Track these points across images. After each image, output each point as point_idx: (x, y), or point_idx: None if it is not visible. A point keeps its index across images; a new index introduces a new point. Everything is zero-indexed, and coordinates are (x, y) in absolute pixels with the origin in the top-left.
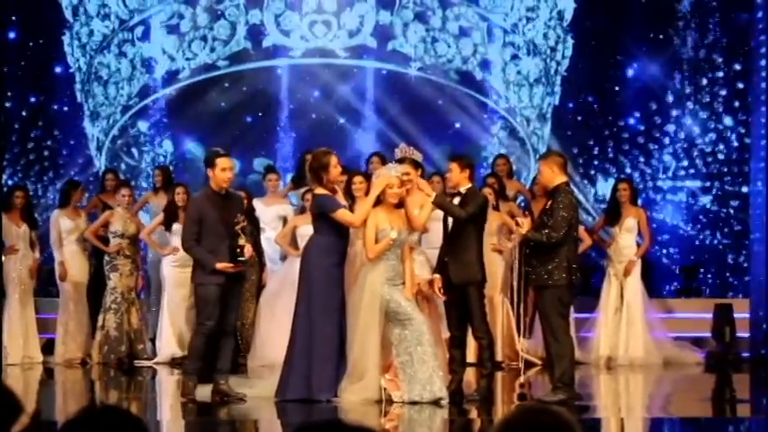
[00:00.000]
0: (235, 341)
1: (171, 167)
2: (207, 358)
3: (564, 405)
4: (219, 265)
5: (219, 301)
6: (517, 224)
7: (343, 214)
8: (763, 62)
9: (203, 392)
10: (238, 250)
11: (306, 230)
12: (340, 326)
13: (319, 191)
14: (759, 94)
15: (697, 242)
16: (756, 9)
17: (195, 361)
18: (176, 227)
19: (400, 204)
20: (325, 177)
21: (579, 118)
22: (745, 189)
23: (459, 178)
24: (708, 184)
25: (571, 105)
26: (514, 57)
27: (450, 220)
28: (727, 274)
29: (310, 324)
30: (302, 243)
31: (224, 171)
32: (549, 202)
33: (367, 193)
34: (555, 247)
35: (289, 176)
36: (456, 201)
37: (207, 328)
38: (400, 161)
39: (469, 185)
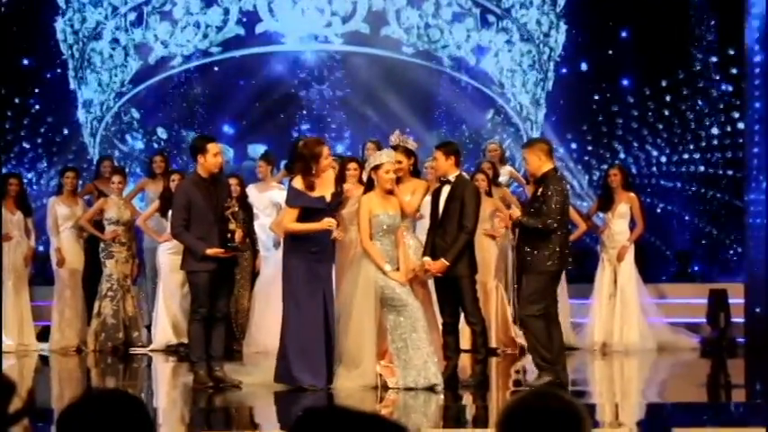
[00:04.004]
0: (229, 327)
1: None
2: (207, 344)
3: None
4: (210, 251)
5: (211, 288)
6: (510, 218)
7: (285, 213)
8: (757, 47)
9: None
10: (229, 235)
11: None
12: (324, 312)
13: (295, 182)
14: (755, 78)
15: (692, 227)
16: None
17: (197, 349)
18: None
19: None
20: (315, 167)
21: (573, 103)
22: (740, 174)
23: (445, 166)
24: (702, 168)
25: (565, 91)
26: (508, 42)
27: (440, 205)
28: (722, 260)
29: (292, 312)
30: None
31: (216, 156)
32: (540, 189)
33: (360, 179)
34: (550, 233)
35: (283, 163)
36: (446, 189)
37: (201, 315)
38: (394, 148)
39: (457, 172)
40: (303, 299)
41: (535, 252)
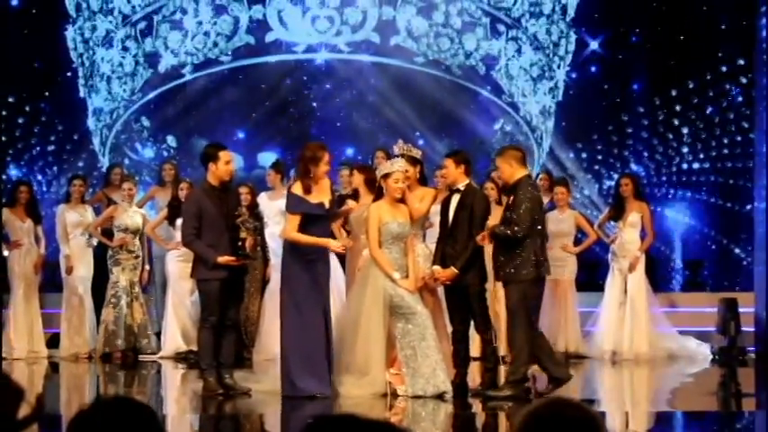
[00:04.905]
0: (239, 335)
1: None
2: (217, 351)
3: (511, 401)
4: (222, 259)
5: (222, 296)
6: (487, 228)
7: (288, 219)
8: (766, 57)
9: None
10: (239, 243)
11: None
12: (324, 321)
13: (295, 188)
14: (762, 89)
15: (702, 236)
16: (759, 3)
17: (207, 356)
18: (180, 222)
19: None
20: (314, 171)
21: (582, 112)
22: (750, 183)
23: (455, 174)
24: (713, 177)
25: (574, 100)
26: (518, 51)
27: (450, 214)
28: (733, 268)
29: (294, 320)
30: None
31: (228, 164)
32: (512, 197)
33: (371, 187)
34: (521, 241)
35: (293, 171)
36: (456, 197)
37: (211, 323)
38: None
39: (467, 181)
40: (306, 307)
41: (509, 261)
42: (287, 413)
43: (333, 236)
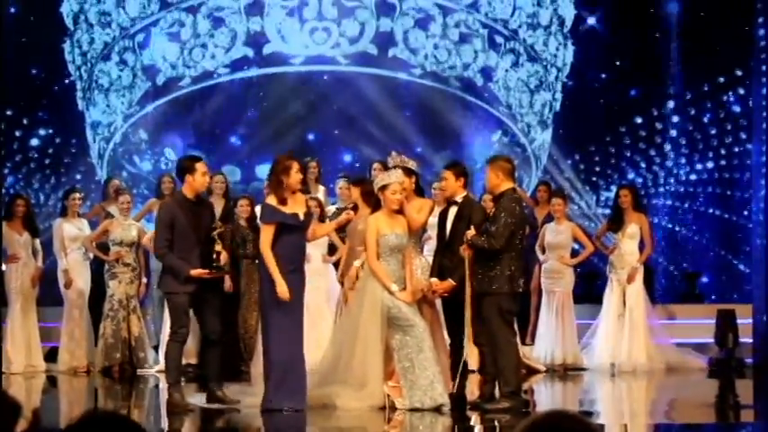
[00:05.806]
0: (236, 348)
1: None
2: (181, 366)
3: (509, 413)
4: (195, 272)
5: (191, 309)
6: (465, 237)
7: (262, 230)
8: (764, 67)
9: (200, 400)
10: (214, 256)
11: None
12: (299, 334)
13: (270, 200)
14: (760, 100)
15: (700, 247)
16: (756, 14)
17: (174, 371)
18: None
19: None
20: (286, 181)
21: (580, 123)
22: (747, 194)
23: (454, 187)
24: (710, 188)
25: (572, 111)
26: (515, 63)
27: (447, 227)
28: (731, 280)
29: (276, 333)
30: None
31: (204, 175)
32: (494, 209)
33: (368, 200)
34: (498, 254)
35: None
36: (453, 210)
37: (180, 337)
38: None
39: (465, 194)
40: (289, 320)
41: (485, 273)
42: (286, 428)
43: (305, 249)
